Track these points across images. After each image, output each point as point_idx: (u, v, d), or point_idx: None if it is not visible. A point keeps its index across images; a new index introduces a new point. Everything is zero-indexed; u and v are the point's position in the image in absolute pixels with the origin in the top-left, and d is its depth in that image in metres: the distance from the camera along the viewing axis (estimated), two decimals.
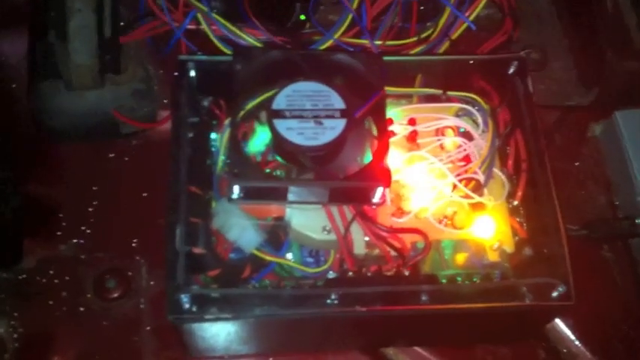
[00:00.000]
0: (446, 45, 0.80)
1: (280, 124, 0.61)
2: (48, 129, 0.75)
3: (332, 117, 0.61)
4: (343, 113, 0.62)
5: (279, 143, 0.61)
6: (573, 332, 0.75)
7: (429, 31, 0.80)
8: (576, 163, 0.83)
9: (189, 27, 0.77)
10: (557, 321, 0.75)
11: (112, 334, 0.71)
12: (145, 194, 0.76)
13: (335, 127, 0.61)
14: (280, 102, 0.62)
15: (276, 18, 0.80)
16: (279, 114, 0.61)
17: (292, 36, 0.79)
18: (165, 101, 0.78)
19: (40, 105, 0.73)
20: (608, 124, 0.80)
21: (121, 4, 0.80)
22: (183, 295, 0.58)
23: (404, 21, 0.82)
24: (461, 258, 0.67)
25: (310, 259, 0.65)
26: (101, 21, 0.71)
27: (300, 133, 0.60)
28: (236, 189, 0.60)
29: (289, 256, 0.65)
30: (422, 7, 0.84)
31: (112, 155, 0.78)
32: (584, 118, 0.84)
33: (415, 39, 0.80)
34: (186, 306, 0.58)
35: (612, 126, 0.79)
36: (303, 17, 0.80)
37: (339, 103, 0.62)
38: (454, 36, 0.80)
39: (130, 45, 0.79)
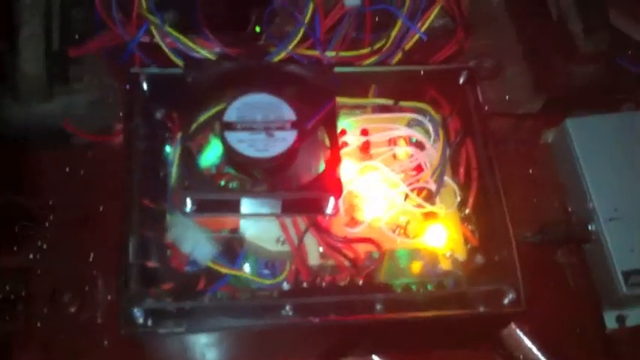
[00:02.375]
0: (399, 56, 0.80)
1: (231, 137, 0.61)
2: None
3: (283, 128, 0.62)
4: (294, 124, 0.62)
5: (230, 155, 0.62)
6: (529, 338, 0.76)
7: (382, 42, 0.81)
8: (530, 170, 0.84)
9: (144, 39, 0.77)
10: (513, 327, 0.76)
11: (69, 348, 0.71)
12: (101, 207, 0.76)
13: (286, 139, 0.62)
14: (231, 114, 0.62)
15: (232, 29, 0.80)
16: (230, 126, 0.61)
17: (247, 47, 0.79)
18: (121, 113, 0.77)
19: None
20: (559, 131, 0.82)
21: (76, 15, 0.81)
22: (136, 309, 0.58)
23: (358, 31, 0.83)
24: (416, 266, 0.67)
25: (266, 271, 0.66)
26: (50, 32, 0.70)
27: (251, 145, 0.61)
28: (188, 202, 0.61)
29: (246, 267, 0.65)
30: (376, 18, 0.85)
31: (67, 168, 0.78)
32: (537, 125, 0.85)
33: (368, 50, 0.80)
34: (140, 320, 0.58)
35: (564, 132, 0.80)
36: (258, 29, 0.80)
37: (290, 114, 0.63)
38: (407, 46, 0.80)
39: (87, 56, 0.78)
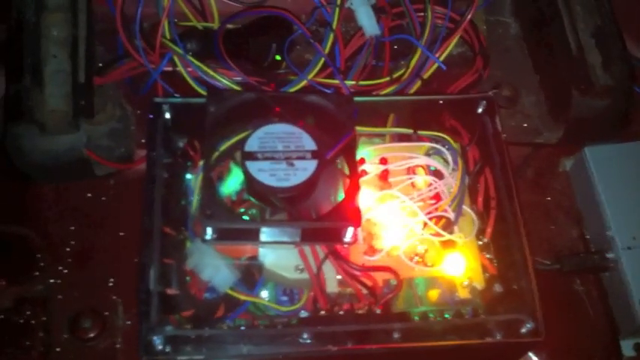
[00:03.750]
0: (418, 84, 0.81)
1: (252, 166, 0.62)
2: (22, 171, 0.76)
3: (303, 158, 0.63)
4: (314, 154, 0.63)
5: (251, 184, 0.62)
6: None
7: (401, 71, 0.82)
8: (548, 198, 0.84)
9: (166, 68, 0.79)
10: (530, 354, 0.76)
11: None
12: (122, 233, 0.77)
13: (306, 169, 0.62)
14: (252, 144, 0.63)
15: (253, 58, 0.82)
16: (251, 156, 0.62)
17: (267, 76, 0.80)
18: (143, 141, 0.78)
19: (14, 148, 0.73)
20: (578, 159, 0.82)
21: (100, 44, 0.82)
22: (156, 337, 0.59)
23: (377, 59, 0.84)
24: (434, 294, 0.68)
25: (285, 298, 0.66)
26: (76, 66, 0.72)
27: (272, 175, 0.61)
28: (209, 230, 0.61)
29: (264, 294, 0.65)
30: (395, 47, 0.86)
31: (89, 195, 0.79)
32: (555, 153, 0.86)
33: (387, 79, 0.81)
34: (160, 347, 0.59)
35: (582, 161, 0.80)
36: (278, 57, 0.81)
37: (310, 144, 0.63)
38: (426, 75, 0.81)
39: (108, 85, 0.80)
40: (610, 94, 0.78)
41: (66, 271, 0.75)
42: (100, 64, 0.81)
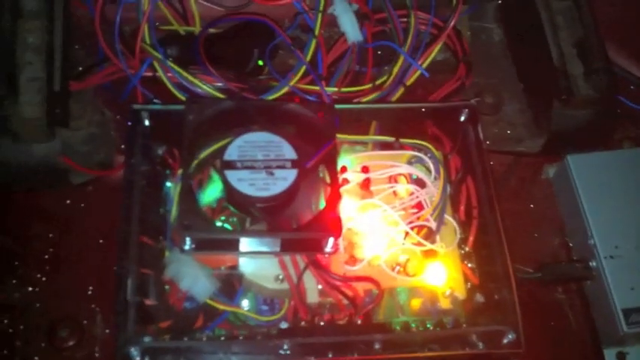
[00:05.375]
0: (401, 91, 0.81)
1: (231, 175, 0.61)
2: None
3: (283, 167, 0.62)
4: (294, 163, 0.62)
5: (230, 194, 0.62)
6: None
7: (384, 78, 0.81)
8: (531, 206, 0.84)
9: (146, 74, 0.78)
10: None
11: None
12: (101, 241, 0.76)
13: (286, 178, 0.62)
14: (232, 153, 0.62)
15: (234, 64, 0.81)
16: (230, 165, 0.62)
17: (249, 82, 0.79)
18: (122, 146, 0.78)
19: None
20: (560, 167, 0.82)
21: (80, 48, 0.81)
22: (133, 348, 0.58)
23: (360, 65, 0.83)
24: (415, 305, 0.67)
25: (265, 307, 0.65)
26: (51, 74, 0.71)
27: (251, 184, 0.61)
28: (187, 240, 0.61)
29: (244, 304, 0.65)
30: (379, 52, 0.85)
31: (68, 202, 0.78)
32: (538, 161, 0.85)
33: (370, 85, 0.80)
34: (137, 358, 0.59)
35: (564, 169, 0.80)
36: (260, 63, 0.80)
37: (290, 153, 0.63)
38: (409, 82, 0.81)
39: (88, 90, 0.79)
40: (591, 104, 0.78)
41: (44, 279, 0.74)
42: (80, 69, 0.80)
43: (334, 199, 0.63)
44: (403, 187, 0.69)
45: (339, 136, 0.67)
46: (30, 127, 0.69)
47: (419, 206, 0.69)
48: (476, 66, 0.86)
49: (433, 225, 0.67)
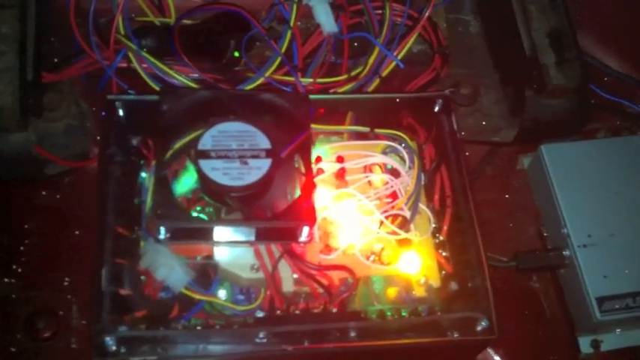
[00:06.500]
0: (376, 82, 0.81)
1: (206, 165, 0.61)
2: None
3: (257, 157, 0.62)
4: (269, 153, 0.62)
5: (204, 183, 0.62)
6: None
7: (360, 69, 0.82)
8: (506, 196, 0.85)
9: (122, 65, 0.78)
10: (489, 351, 0.76)
11: None
12: (77, 232, 0.76)
13: (260, 167, 0.62)
14: (206, 142, 0.62)
15: (210, 55, 0.81)
16: (204, 154, 0.62)
17: (224, 73, 0.79)
18: (98, 138, 0.77)
19: None
20: (535, 157, 0.82)
21: (56, 40, 0.81)
22: (108, 337, 0.58)
23: (336, 57, 0.83)
24: (390, 293, 0.67)
25: (241, 297, 0.65)
26: (24, 63, 0.70)
27: (225, 174, 0.61)
28: (162, 230, 0.61)
29: (221, 293, 0.65)
30: (355, 44, 0.85)
31: (44, 192, 0.78)
32: (513, 151, 0.86)
33: (346, 76, 0.81)
34: (113, 348, 0.58)
35: (538, 159, 0.81)
36: (237, 54, 0.81)
37: (264, 142, 0.63)
38: (384, 73, 0.81)
39: (64, 81, 0.79)
40: (563, 93, 0.78)
41: (20, 270, 0.74)
42: (55, 60, 0.79)
43: (309, 188, 0.63)
44: (378, 177, 0.70)
45: (314, 126, 0.67)
46: (2, 116, 0.69)
47: (393, 196, 0.69)
48: (453, 57, 0.87)
49: (407, 214, 0.68)
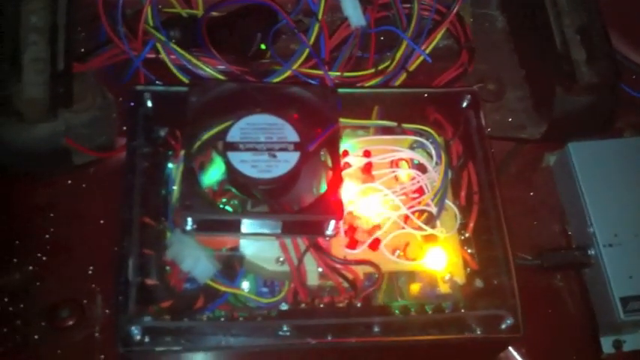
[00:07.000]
0: (403, 76, 0.81)
1: (234, 157, 0.61)
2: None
3: (286, 150, 0.62)
4: (297, 146, 0.62)
5: (232, 175, 0.62)
6: None
7: (387, 63, 0.81)
8: (531, 193, 0.84)
9: (149, 56, 0.78)
10: (510, 349, 0.76)
11: None
12: (102, 221, 0.76)
13: (289, 160, 0.62)
14: (234, 134, 0.62)
15: (237, 47, 0.81)
16: (233, 146, 0.62)
17: (251, 66, 0.79)
18: (124, 128, 0.77)
19: None
20: (561, 155, 0.82)
21: (82, 31, 0.81)
22: (134, 327, 0.58)
23: (363, 50, 0.83)
24: (415, 289, 0.67)
25: (265, 289, 0.66)
26: (55, 54, 0.70)
27: (253, 166, 0.61)
28: (189, 221, 0.61)
29: (245, 285, 0.65)
30: (382, 38, 0.85)
31: (69, 182, 0.78)
32: (539, 148, 0.85)
33: (373, 70, 0.81)
34: (137, 337, 0.59)
35: (565, 157, 0.80)
36: (263, 46, 0.80)
37: (293, 136, 0.63)
38: (411, 68, 0.81)
39: (90, 72, 0.79)
40: (594, 91, 0.78)
41: (45, 258, 0.74)
42: (82, 50, 0.80)
43: (336, 182, 0.63)
44: (404, 172, 0.69)
45: (341, 120, 0.67)
46: (33, 107, 0.69)
47: (420, 191, 0.69)
48: (478, 53, 0.86)
49: (434, 210, 0.67)
